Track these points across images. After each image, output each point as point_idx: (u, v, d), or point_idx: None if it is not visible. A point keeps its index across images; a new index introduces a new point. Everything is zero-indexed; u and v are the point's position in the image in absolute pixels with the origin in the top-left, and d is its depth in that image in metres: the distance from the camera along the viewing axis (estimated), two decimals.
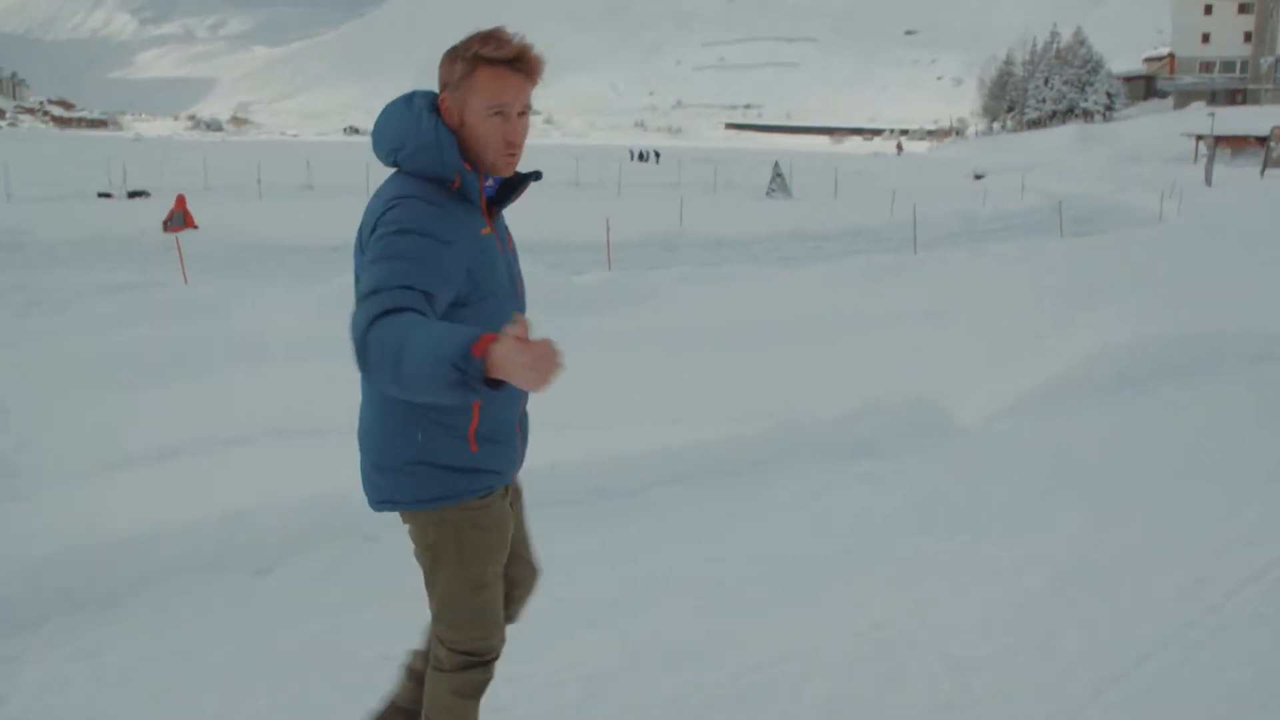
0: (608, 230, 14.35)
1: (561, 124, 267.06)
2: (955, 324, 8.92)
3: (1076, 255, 16.88)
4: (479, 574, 2.34)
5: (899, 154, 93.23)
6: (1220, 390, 6.22)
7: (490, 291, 2.19)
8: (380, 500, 2.31)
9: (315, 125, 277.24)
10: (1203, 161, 50.85)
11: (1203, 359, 6.52)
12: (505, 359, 1.66)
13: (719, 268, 14.86)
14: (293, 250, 17.36)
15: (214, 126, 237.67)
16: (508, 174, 2.20)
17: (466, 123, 2.13)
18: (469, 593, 2.35)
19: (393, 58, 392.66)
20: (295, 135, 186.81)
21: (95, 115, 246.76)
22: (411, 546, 2.38)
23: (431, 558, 2.33)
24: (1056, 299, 10.88)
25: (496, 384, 1.71)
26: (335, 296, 10.68)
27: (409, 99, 2.20)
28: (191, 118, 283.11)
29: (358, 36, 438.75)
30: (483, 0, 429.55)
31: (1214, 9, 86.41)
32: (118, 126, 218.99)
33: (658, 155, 68.76)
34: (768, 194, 34.19)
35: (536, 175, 2.31)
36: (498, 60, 2.10)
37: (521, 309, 2.35)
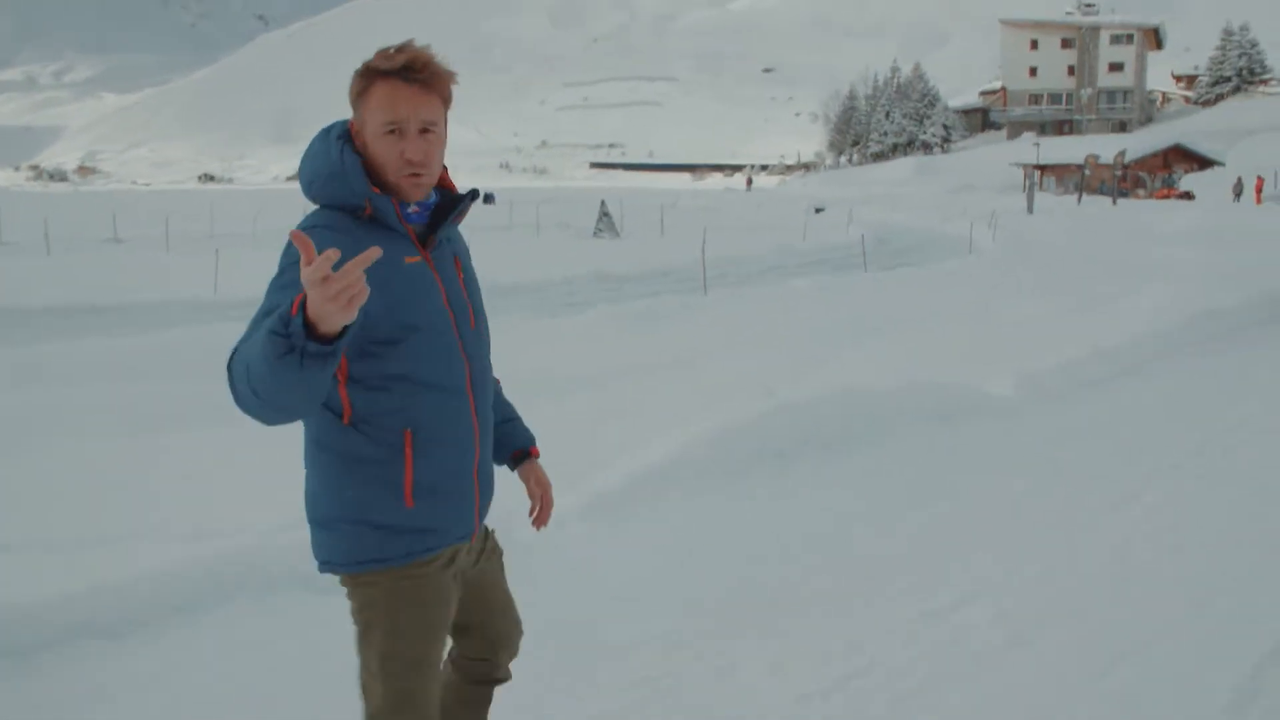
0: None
1: None
2: (664, 384, 8.06)
3: (863, 293, 16.55)
4: (408, 652, 2.07)
5: (749, 189, 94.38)
6: (855, 467, 5.40)
7: (417, 324, 1.99)
8: (321, 561, 2.10)
9: (168, 173, 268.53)
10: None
11: (874, 423, 5.79)
12: (309, 297, 1.56)
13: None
14: None
15: (58, 176, 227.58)
16: (416, 198, 2.03)
17: (367, 144, 2.00)
18: (395, 673, 2.07)
19: (248, 105, 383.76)
20: (146, 184, 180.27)
21: None
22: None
23: (361, 626, 2.09)
24: (803, 344, 10.27)
25: (328, 339, 1.60)
26: None
27: (329, 129, 2.07)
28: (34, 167, 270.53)
29: (211, 83, 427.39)
30: (340, 48, 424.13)
31: (1039, 44, 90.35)
32: None
33: (492, 197, 67.71)
34: (595, 234, 33.60)
35: (473, 195, 2.15)
36: (390, 72, 1.96)
37: (474, 341, 2.15)
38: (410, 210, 2.05)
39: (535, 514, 2.45)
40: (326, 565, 2.09)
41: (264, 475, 5.21)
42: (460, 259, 2.17)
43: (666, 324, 13.24)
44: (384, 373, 1.99)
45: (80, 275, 21.00)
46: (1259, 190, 46.72)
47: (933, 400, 6.23)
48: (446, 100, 2.04)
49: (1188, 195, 50.12)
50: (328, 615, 3.71)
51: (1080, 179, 51.66)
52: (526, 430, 2.43)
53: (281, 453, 5.85)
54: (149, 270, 22.92)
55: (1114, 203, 45.33)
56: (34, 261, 25.62)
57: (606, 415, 6.79)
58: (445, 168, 2.14)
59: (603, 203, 35.83)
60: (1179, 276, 13.72)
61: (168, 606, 3.52)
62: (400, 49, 1.97)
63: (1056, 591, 3.83)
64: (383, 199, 1.97)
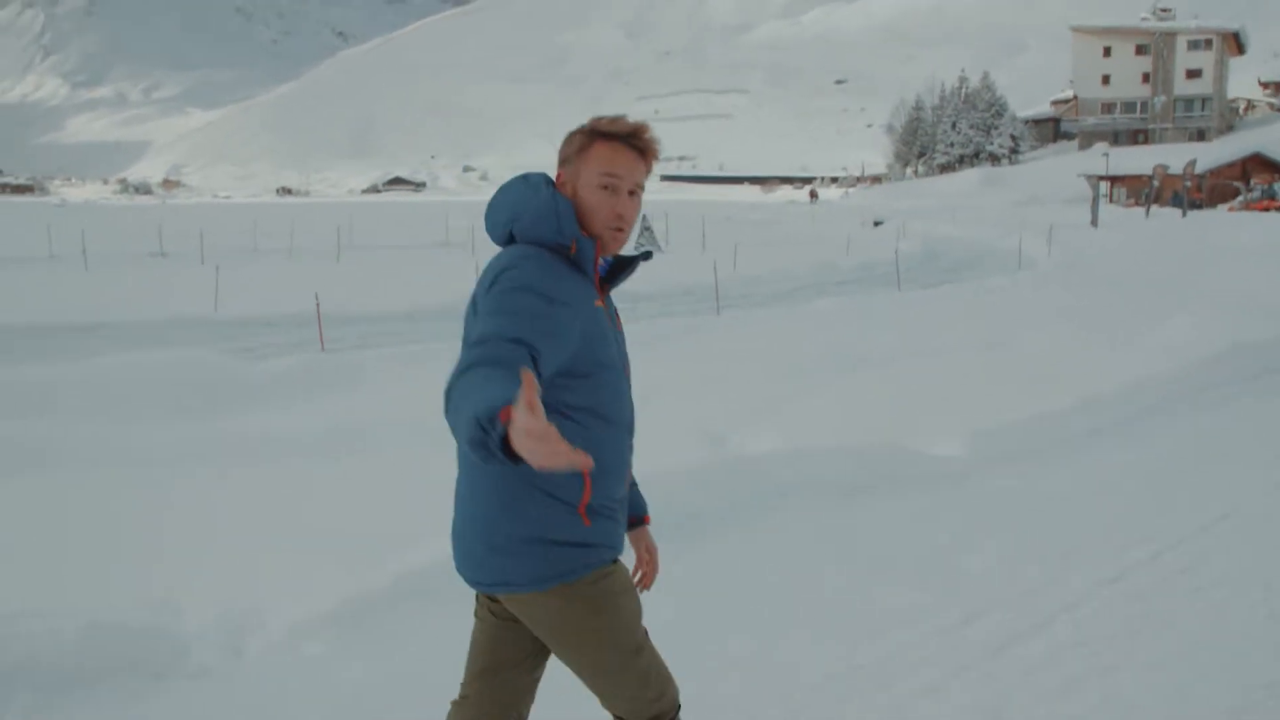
0: (317, 304, 12.54)
1: (497, 179, 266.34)
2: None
3: (884, 316, 15.49)
4: (630, 639, 2.27)
5: (813, 201, 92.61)
6: (700, 560, 4.28)
7: (604, 364, 2.19)
8: (493, 583, 2.21)
9: (249, 186, 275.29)
10: (1101, 201, 50.48)
11: (754, 499, 4.74)
12: (514, 427, 1.65)
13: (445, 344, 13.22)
14: None
15: (143, 189, 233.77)
16: (613, 250, 2.24)
17: (579, 195, 2.20)
18: (629, 660, 2.27)
19: (328, 119, 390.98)
20: (227, 197, 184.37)
21: (21, 180, 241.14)
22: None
23: (575, 639, 2.24)
24: (776, 381, 9.28)
25: (516, 458, 1.68)
26: None
27: (525, 176, 2.28)
28: (121, 181, 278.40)
29: (292, 99, 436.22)
30: (418, 64, 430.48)
31: (1113, 50, 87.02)
32: (44, 191, 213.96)
33: None
34: (635, 248, 32.73)
35: (646, 256, 2.38)
36: (613, 135, 2.19)
37: (629, 387, 2.34)
38: (599, 261, 2.23)
39: (640, 578, 2.56)
40: (504, 586, 2.19)
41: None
42: (619, 315, 2.36)
43: (656, 349, 12.32)
44: (571, 403, 2.14)
45: (95, 291, 20.84)
46: None
47: (847, 467, 5.18)
48: (650, 170, 2.24)
49: None
50: None
51: (1150, 190, 49.31)
52: (642, 497, 2.58)
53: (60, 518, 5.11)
54: (168, 286, 22.72)
55: (1183, 215, 43.14)
56: (66, 275, 25.66)
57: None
58: None
59: (644, 216, 35.00)
60: (1221, 303, 12.41)
61: None
62: (618, 117, 2.21)
63: None
64: (588, 241, 2.15)
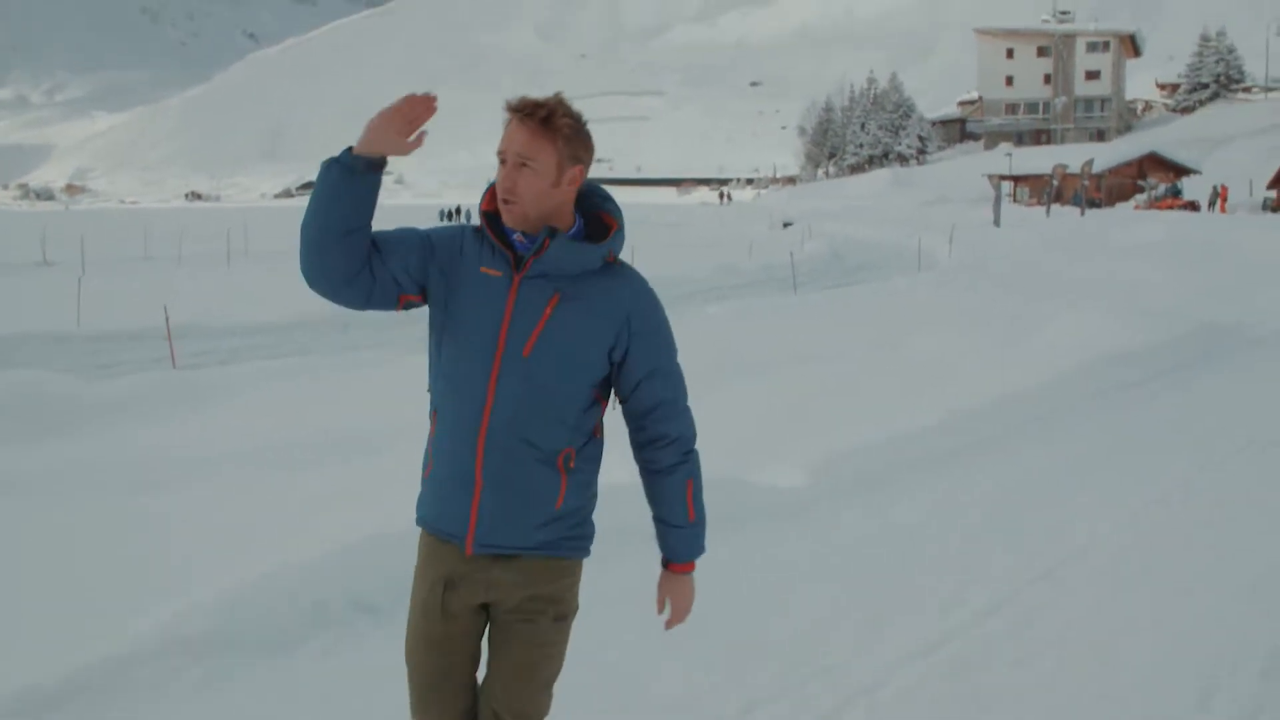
0: (166, 318, 11.68)
1: (414, 184, 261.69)
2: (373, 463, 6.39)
3: (775, 321, 15.16)
4: (414, 600, 2.29)
5: (723, 203, 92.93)
6: None
7: (462, 322, 2.18)
8: None
9: (158, 192, 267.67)
10: (1005, 200, 51.16)
11: None
12: (389, 109, 2.14)
13: (335, 356, 12.45)
14: None
15: (45, 195, 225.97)
16: (507, 221, 2.22)
17: None
18: (411, 619, 2.30)
19: (239, 122, 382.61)
20: (134, 203, 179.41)
21: None
22: None
23: None
24: None
25: (380, 164, 2.16)
26: None
27: None
28: (21, 186, 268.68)
29: (202, 101, 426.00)
30: (331, 65, 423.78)
31: (1015, 52, 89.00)
32: None
33: (469, 213, 66.76)
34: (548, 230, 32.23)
35: (550, 232, 2.23)
36: (513, 110, 2.23)
37: (520, 367, 2.18)
38: (515, 236, 2.22)
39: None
40: None
41: None
42: (563, 295, 2.19)
43: None
44: (437, 348, 2.23)
45: None
46: (1223, 199, 45.69)
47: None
48: (559, 145, 2.18)
49: (1192, 205, 48.45)
50: None
51: (1050, 190, 50.11)
52: (672, 541, 2.38)
53: None
54: (35, 298, 21.49)
55: (1082, 213, 43.82)
56: None
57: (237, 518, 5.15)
58: (609, 210, 2.36)
59: None
60: (1107, 305, 12.21)
61: None
62: (536, 98, 2.24)
63: None
64: (484, 215, 2.26)
